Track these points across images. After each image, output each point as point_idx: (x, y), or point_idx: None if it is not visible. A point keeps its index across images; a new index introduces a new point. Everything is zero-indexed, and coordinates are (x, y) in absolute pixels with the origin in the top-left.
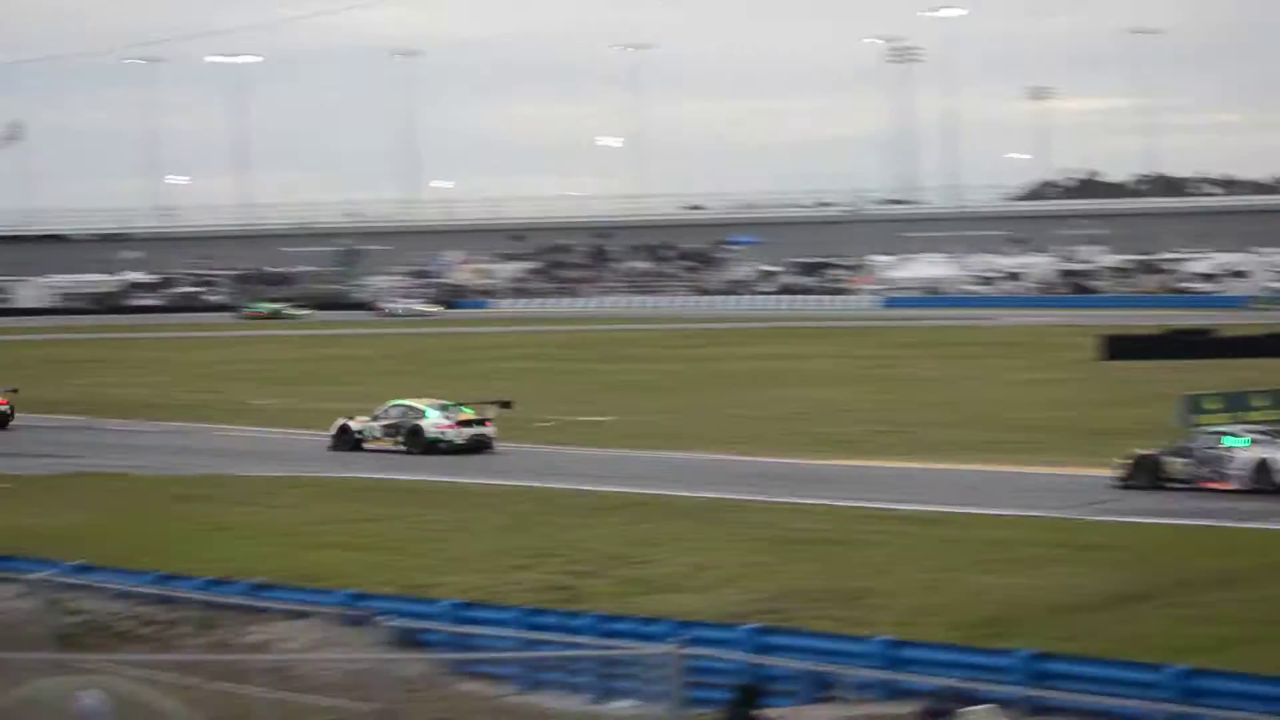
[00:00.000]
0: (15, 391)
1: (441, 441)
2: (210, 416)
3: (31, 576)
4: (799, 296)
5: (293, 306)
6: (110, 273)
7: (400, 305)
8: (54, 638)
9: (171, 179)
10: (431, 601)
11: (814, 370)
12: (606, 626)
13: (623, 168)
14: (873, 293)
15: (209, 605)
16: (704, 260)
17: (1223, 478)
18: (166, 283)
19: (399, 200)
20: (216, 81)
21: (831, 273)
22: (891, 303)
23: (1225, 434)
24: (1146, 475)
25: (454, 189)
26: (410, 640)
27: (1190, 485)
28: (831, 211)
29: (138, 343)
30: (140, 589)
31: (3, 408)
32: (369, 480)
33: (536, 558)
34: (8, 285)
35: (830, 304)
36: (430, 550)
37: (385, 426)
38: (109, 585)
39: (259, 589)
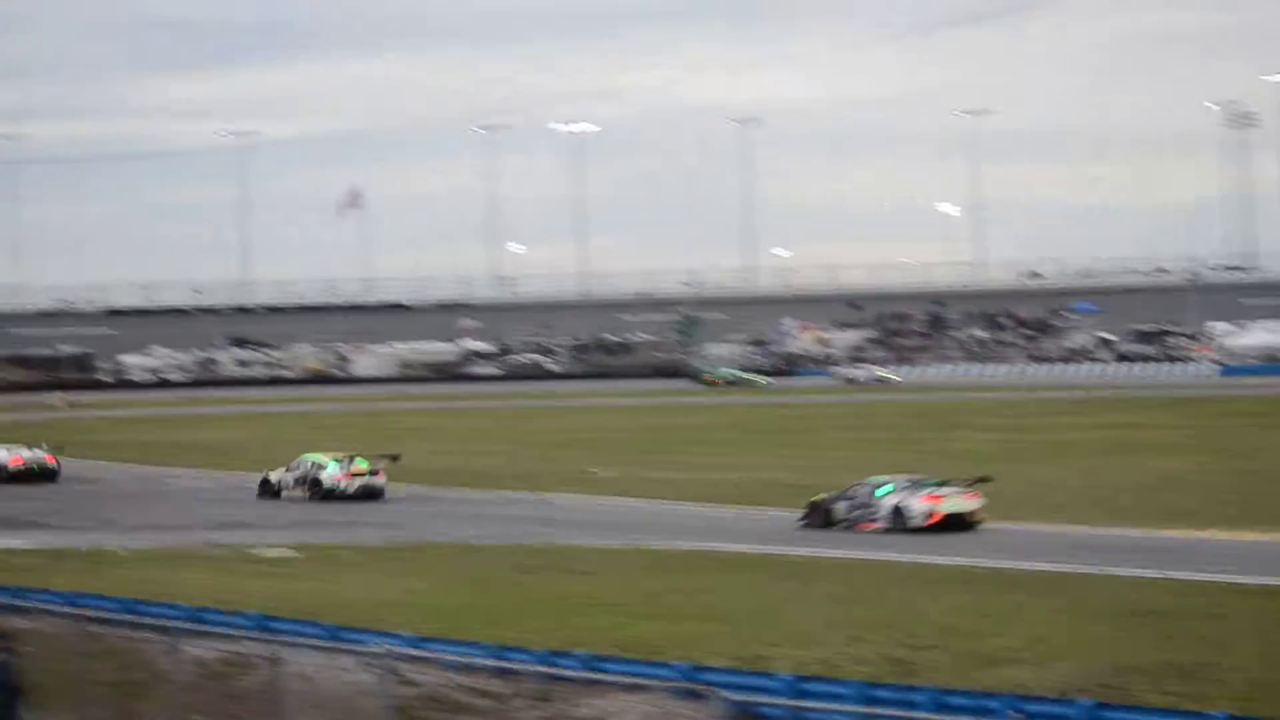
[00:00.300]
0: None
1: (336, 490)
2: (549, 485)
3: (370, 648)
4: (1137, 364)
5: (752, 374)
6: (449, 341)
7: (861, 371)
8: (391, 711)
9: (511, 247)
10: (769, 674)
11: (1151, 440)
12: (944, 700)
13: (960, 234)
14: (1211, 361)
15: (547, 677)
16: (1042, 328)
17: (873, 519)
18: (505, 351)
19: (737, 268)
20: (556, 149)
21: (1169, 340)
22: (1229, 370)
23: (878, 485)
24: (819, 517)
25: (791, 256)
26: (747, 714)
27: (850, 526)
28: (1169, 278)
29: (476, 411)
30: (479, 660)
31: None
32: (701, 551)
33: (872, 629)
34: (348, 354)
35: (1168, 372)
36: (764, 621)
37: (296, 478)
38: (447, 657)
39: (596, 660)
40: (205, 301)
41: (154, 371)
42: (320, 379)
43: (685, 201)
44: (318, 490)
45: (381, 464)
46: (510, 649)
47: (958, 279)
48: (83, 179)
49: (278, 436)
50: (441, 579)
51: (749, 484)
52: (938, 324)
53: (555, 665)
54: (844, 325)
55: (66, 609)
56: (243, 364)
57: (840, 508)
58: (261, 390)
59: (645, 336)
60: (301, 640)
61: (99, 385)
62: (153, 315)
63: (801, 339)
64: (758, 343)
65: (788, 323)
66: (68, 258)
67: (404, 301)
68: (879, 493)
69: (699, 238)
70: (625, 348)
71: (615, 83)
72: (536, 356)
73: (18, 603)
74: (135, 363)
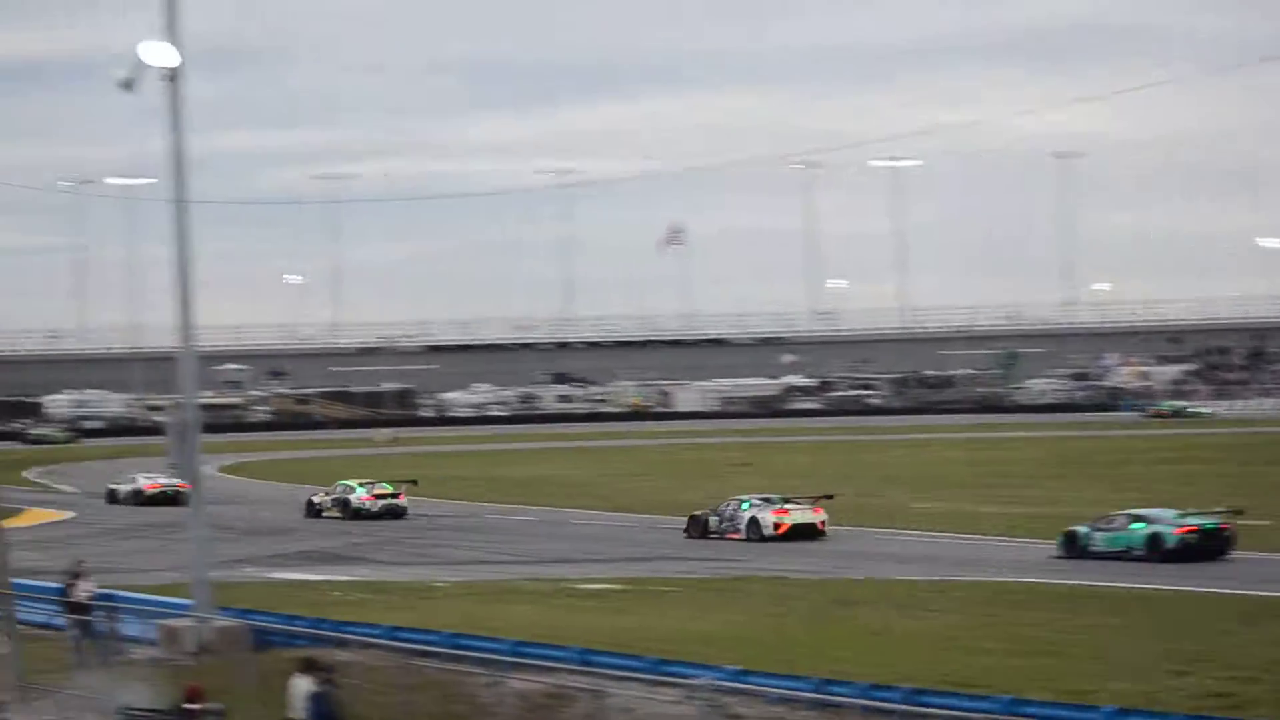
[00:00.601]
0: (415, 484)
1: (362, 510)
2: (870, 520)
3: (692, 681)
4: None
5: (1195, 405)
6: (769, 376)
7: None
8: None
9: (831, 283)
10: (1090, 708)
11: None
12: None
13: None
14: None
15: (868, 711)
16: None
17: (736, 530)
18: (825, 386)
19: (1057, 303)
20: (876, 186)
21: None
22: None
23: (742, 501)
24: (698, 529)
25: (1111, 290)
26: None
27: (721, 536)
28: None
29: (796, 446)
30: (801, 693)
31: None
32: (1020, 585)
33: (1195, 663)
34: (669, 389)
35: None
36: (1090, 654)
37: (334, 500)
38: (769, 690)
39: (917, 694)
40: (526, 337)
41: (476, 407)
42: (640, 414)
43: (1005, 236)
44: (347, 509)
45: (403, 488)
46: (831, 682)
47: (1278, 313)
48: (404, 218)
49: (600, 471)
50: (762, 612)
51: (1073, 518)
52: (1259, 358)
53: (876, 699)
54: (1164, 359)
55: (387, 642)
56: (563, 399)
57: (713, 521)
58: (582, 425)
59: (965, 371)
60: (623, 673)
61: (420, 421)
62: (473, 351)
63: (1122, 373)
64: (1079, 376)
65: (1107, 358)
66: (389, 295)
67: (724, 336)
68: (742, 507)
69: (1019, 272)
70: (945, 382)
71: (933, 118)
72: (859, 391)
73: (339, 635)
74: (456, 398)
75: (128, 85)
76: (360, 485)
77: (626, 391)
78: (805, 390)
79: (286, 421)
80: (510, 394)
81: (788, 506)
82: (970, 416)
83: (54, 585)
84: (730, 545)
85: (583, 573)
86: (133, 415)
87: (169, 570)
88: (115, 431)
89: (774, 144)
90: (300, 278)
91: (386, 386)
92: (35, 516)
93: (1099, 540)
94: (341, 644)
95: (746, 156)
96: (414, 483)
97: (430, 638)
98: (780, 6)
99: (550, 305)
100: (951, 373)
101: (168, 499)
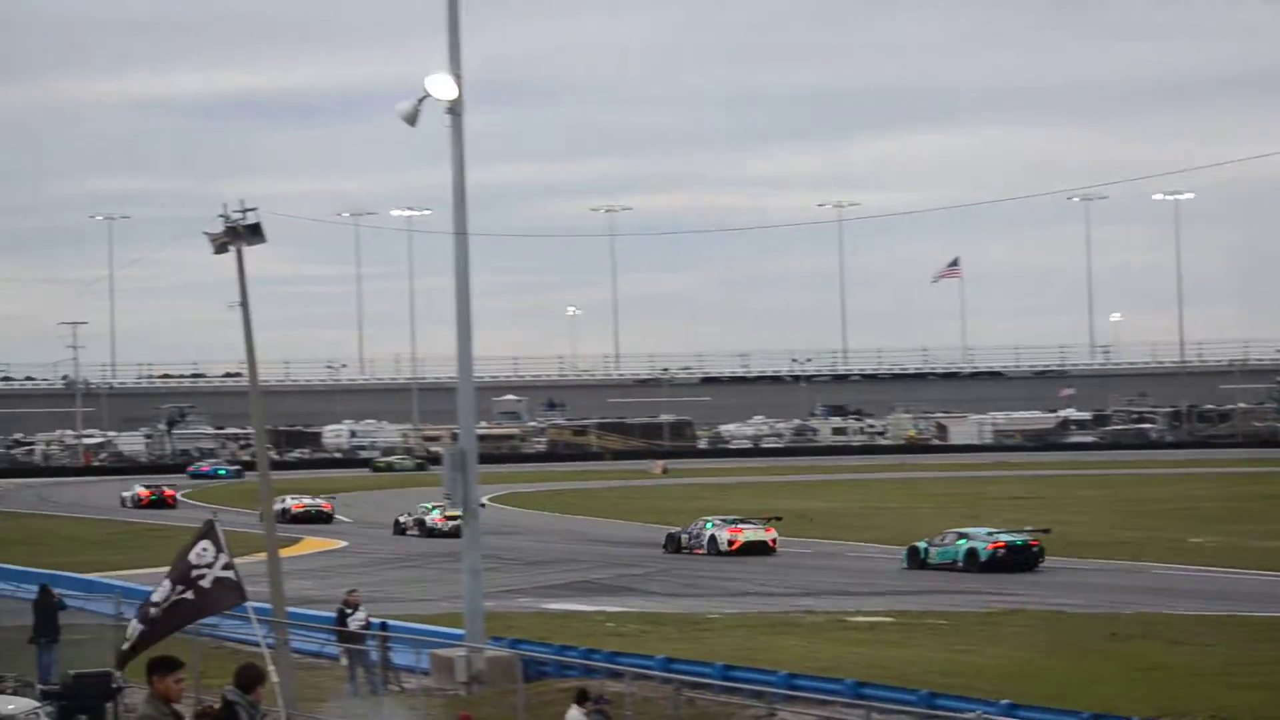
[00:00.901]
0: (1047, 532)
1: (435, 530)
2: (1147, 554)
3: (964, 716)
4: None
5: None
6: (1045, 409)
7: None
8: None
9: (1109, 316)
10: None
11: None
12: None
13: None
14: None
15: None
16: None
17: (700, 546)
18: (1100, 419)
19: None
20: (1151, 218)
21: None
22: None
23: (707, 521)
24: (673, 545)
25: None
26: None
27: (690, 551)
28: None
29: (1073, 480)
30: None
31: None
32: None
33: None
34: (945, 422)
35: None
36: None
37: (414, 520)
38: None
39: None
40: (801, 370)
41: (751, 438)
42: (915, 447)
43: None
44: (423, 528)
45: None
46: (1101, 717)
47: None
48: (681, 250)
49: (875, 504)
50: (1034, 646)
51: None
52: None
53: None
54: None
55: (660, 673)
56: (839, 431)
57: (685, 538)
58: (857, 458)
59: (1244, 405)
60: (896, 706)
61: (696, 452)
62: (749, 383)
63: None
64: None
65: None
66: (666, 328)
67: (1000, 369)
68: (706, 527)
69: None
70: (1223, 416)
71: (1207, 152)
72: (1140, 425)
73: (613, 666)
74: (732, 430)
75: (411, 118)
76: (435, 508)
77: (902, 424)
78: (1080, 424)
79: (562, 452)
80: (785, 426)
81: (741, 526)
82: (1246, 451)
83: (327, 614)
84: (996, 578)
85: (856, 605)
86: (409, 445)
87: (440, 600)
88: None
89: (1051, 177)
90: (578, 309)
91: (663, 418)
92: (310, 545)
93: (934, 554)
94: (614, 675)
95: (1022, 189)
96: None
97: (703, 670)
98: (1058, 41)
99: (824, 337)
100: (1229, 407)
101: (311, 518)
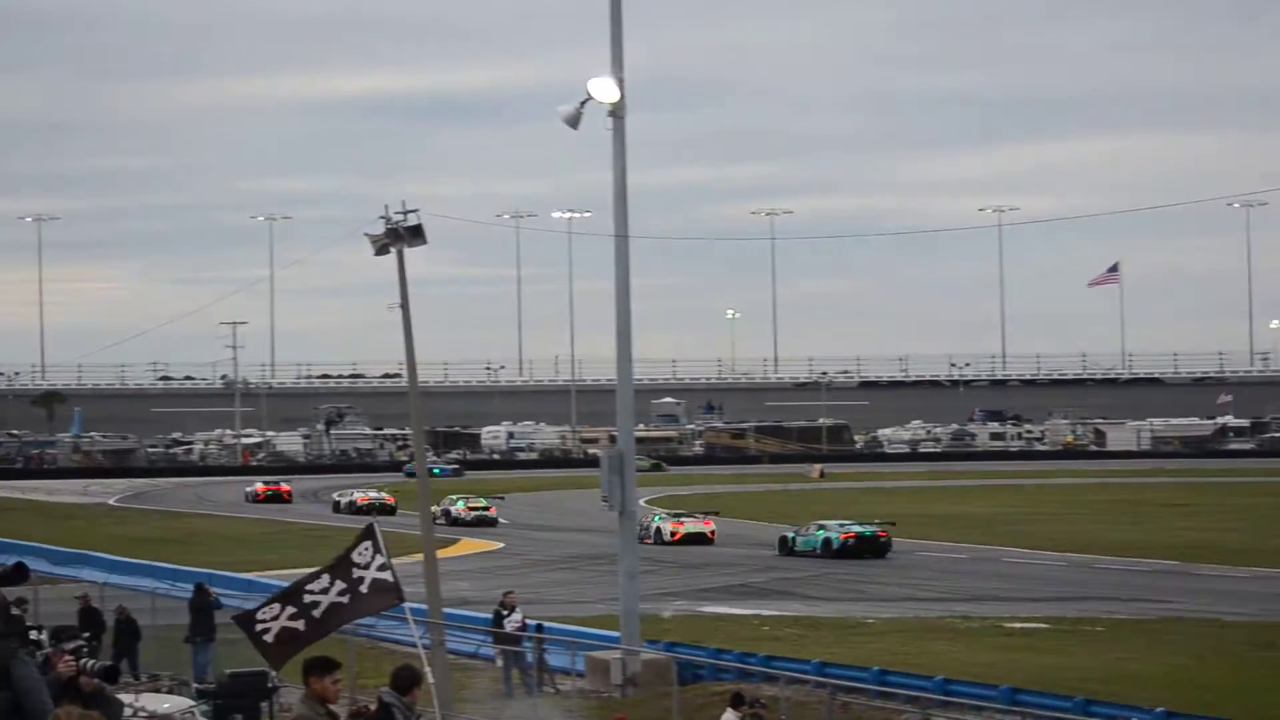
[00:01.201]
0: (502, 499)
1: (460, 520)
2: None
3: None
4: None
5: None
6: (1203, 416)
7: None
8: None
9: (1270, 323)
10: None
11: None
12: None
13: None
14: None
15: None
16: None
17: (648, 537)
18: (1258, 427)
19: None
20: None
21: None
22: None
23: (655, 515)
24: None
25: None
26: None
27: (640, 541)
28: None
29: (1230, 487)
30: None
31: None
32: None
33: None
34: (1103, 428)
35: None
36: None
37: (442, 510)
38: None
39: None
40: (960, 375)
41: (908, 443)
42: (1072, 453)
43: None
44: (448, 518)
45: (495, 504)
46: None
47: None
48: (840, 254)
49: (1031, 509)
50: (1190, 654)
51: None
52: None
53: None
54: None
55: (815, 677)
56: (997, 436)
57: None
58: (1015, 463)
59: None
60: (1051, 713)
61: (853, 456)
62: (906, 387)
63: None
64: None
65: None
66: (824, 331)
67: (1159, 375)
68: (654, 520)
69: None
70: None
71: None
72: None
73: (768, 670)
74: (890, 434)
75: (573, 121)
76: (461, 500)
77: (1060, 429)
78: (1238, 431)
79: (719, 455)
80: (943, 430)
81: (683, 519)
82: None
83: (483, 615)
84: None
85: (1012, 611)
86: (566, 447)
87: (597, 602)
88: (548, 463)
89: (1212, 184)
90: (737, 312)
91: (821, 421)
92: (467, 546)
93: (800, 543)
94: (769, 678)
95: (1182, 195)
96: (501, 498)
97: (858, 674)
98: (1220, 45)
99: (982, 342)
100: None
101: (377, 510)
